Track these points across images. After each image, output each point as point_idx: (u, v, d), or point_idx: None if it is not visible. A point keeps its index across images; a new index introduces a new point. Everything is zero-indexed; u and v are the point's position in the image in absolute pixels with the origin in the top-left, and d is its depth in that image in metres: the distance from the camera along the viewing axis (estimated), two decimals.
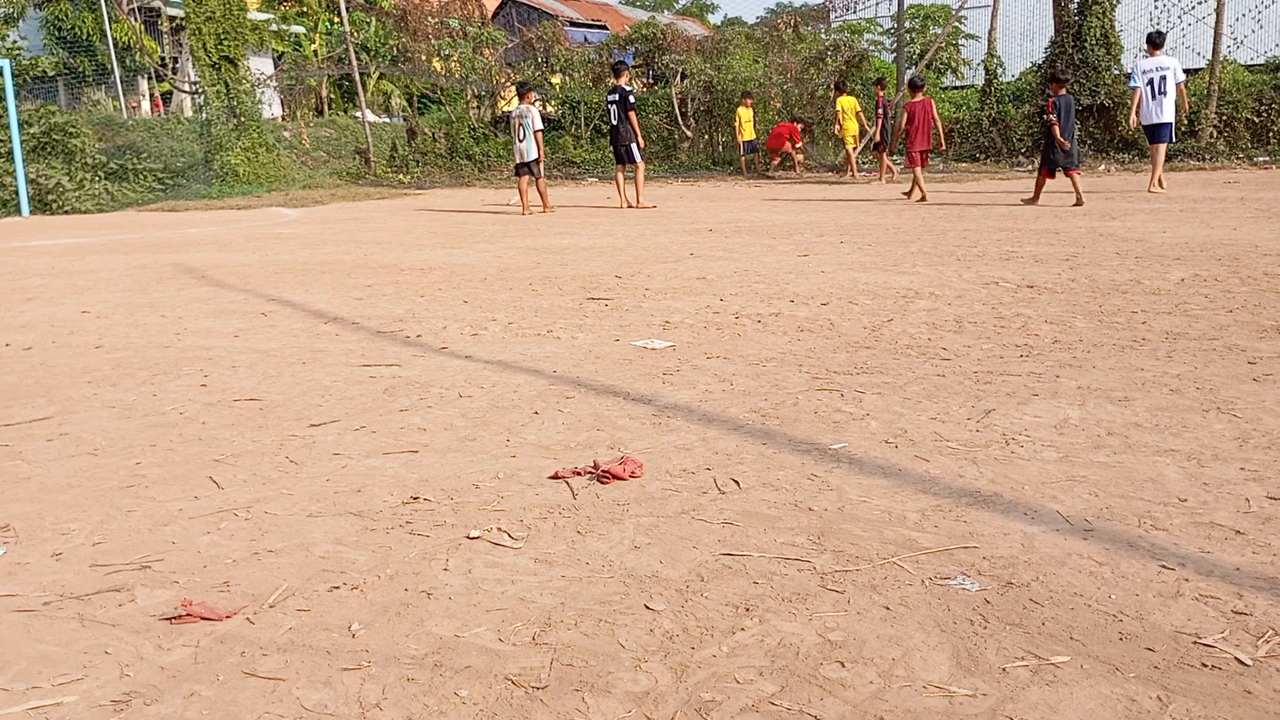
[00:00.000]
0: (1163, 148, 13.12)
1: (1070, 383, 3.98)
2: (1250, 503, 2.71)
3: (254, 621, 2.26)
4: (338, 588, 2.42)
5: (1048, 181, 12.09)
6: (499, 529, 2.75)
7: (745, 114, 19.03)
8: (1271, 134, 18.02)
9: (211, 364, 5.00)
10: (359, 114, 25.33)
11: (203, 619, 2.26)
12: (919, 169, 13.51)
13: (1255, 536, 2.50)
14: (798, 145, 19.34)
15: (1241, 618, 2.11)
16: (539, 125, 14.06)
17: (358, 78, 23.70)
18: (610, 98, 14.40)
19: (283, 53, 33.35)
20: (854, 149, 18.22)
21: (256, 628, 2.23)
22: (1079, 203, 11.50)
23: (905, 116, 13.75)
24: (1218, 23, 17.99)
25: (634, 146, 14.00)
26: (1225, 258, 7.04)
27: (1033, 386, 3.95)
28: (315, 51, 35.09)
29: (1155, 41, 12.79)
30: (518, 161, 14.24)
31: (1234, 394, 3.72)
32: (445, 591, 2.38)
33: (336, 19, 30.46)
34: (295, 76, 29.10)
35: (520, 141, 14.05)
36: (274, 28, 32.93)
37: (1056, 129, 11.52)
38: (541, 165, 14.33)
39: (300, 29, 35.37)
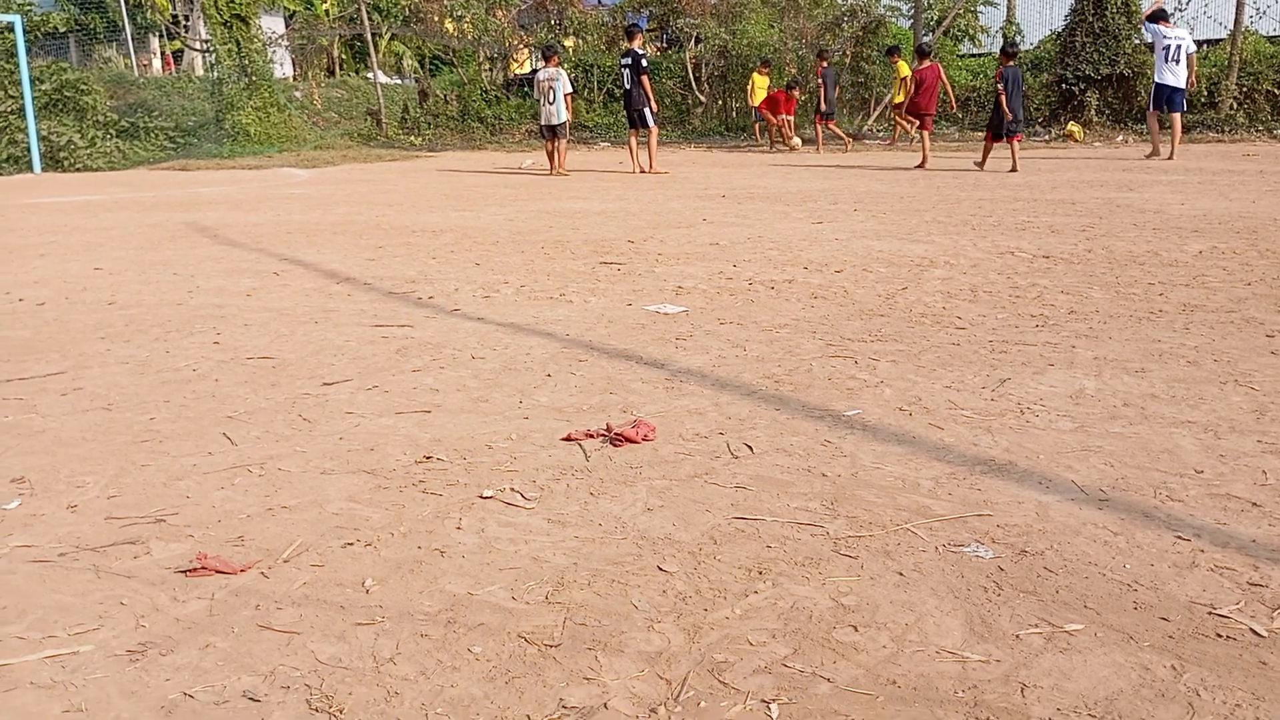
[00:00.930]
0: (1179, 116, 13.53)
1: (1086, 353, 3.95)
2: (1267, 475, 2.69)
3: (268, 576, 2.27)
4: (351, 544, 2.42)
5: (1012, 145, 12.63)
6: (512, 489, 2.75)
7: (761, 81, 18.73)
8: None
9: (224, 322, 5.00)
10: (370, 75, 25.14)
11: (218, 572, 2.27)
12: (926, 134, 14.07)
13: (1272, 509, 2.48)
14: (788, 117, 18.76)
15: (1257, 589, 2.10)
16: (569, 89, 14.29)
17: (370, 38, 23.52)
18: (623, 61, 14.27)
19: (294, 11, 33.09)
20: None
21: (271, 582, 2.24)
22: (1014, 169, 12.42)
23: (914, 83, 14.14)
24: None
25: (647, 111, 13.89)
26: (1244, 230, 6.97)
27: (1048, 356, 3.92)
28: (327, 11, 34.81)
29: (1164, 15, 13.68)
30: (545, 123, 14.30)
31: (1252, 366, 3.69)
32: (458, 550, 2.38)
33: None
34: (307, 36, 28.89)
35: (550, 104, 14.10)
36: None
37: (1004, 99, 12.24)
38: (566, 128, 14.51)
39: None
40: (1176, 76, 13.11)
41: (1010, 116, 12.34)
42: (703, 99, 22.28)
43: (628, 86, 14.13)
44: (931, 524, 2.47)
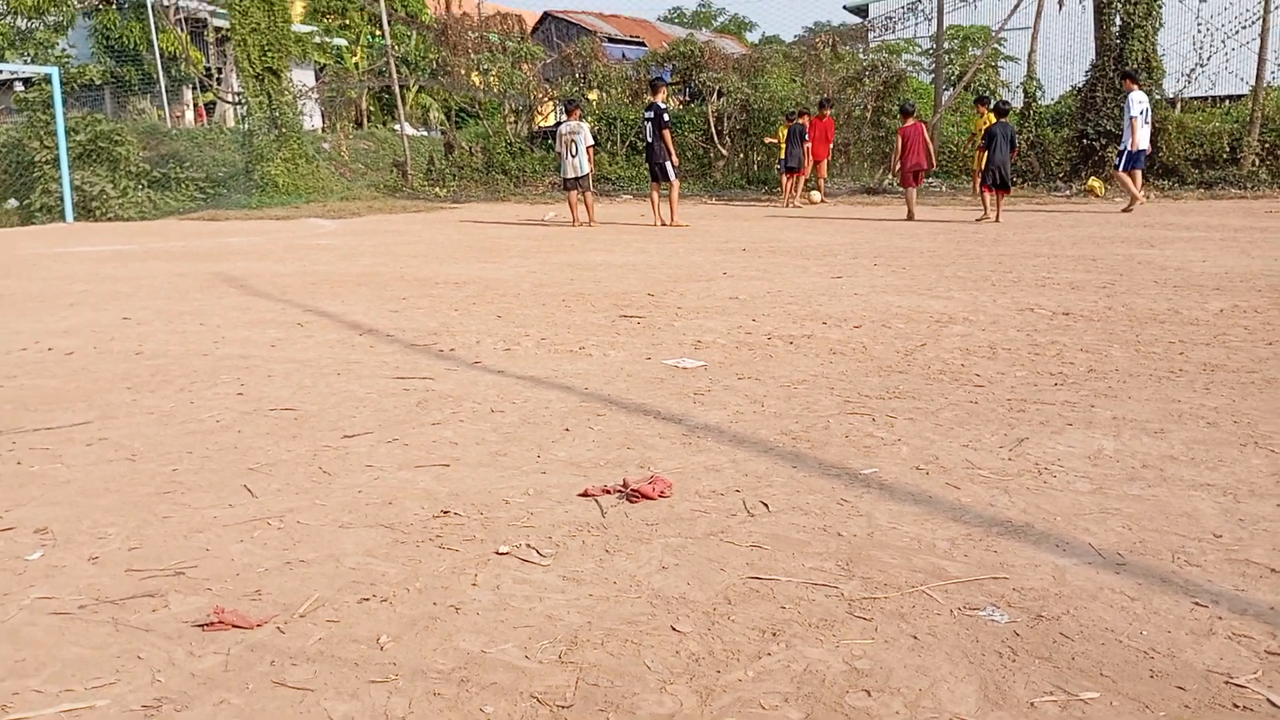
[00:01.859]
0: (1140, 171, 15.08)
1: (1105, 413, 3.94)
2: None
3: (284, 631, 2.29)
4: (367, 599, 2.44)
5: (1003, 196, 13.65)
6: (528, 545, 2.76)
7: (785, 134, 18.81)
8: None
9: (248, 372, 5.07)
10: (397, 127, 25.59)
11: (234, 627, 2.29)
12: (912, 190, 14.67)
13: None
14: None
15: (1275, 658, 2.08)
16: (591, 141, 14.79)
17: (397, 90, 23.98)
18: (646, 114, 14.50)
19: (325, 65, 33.79)
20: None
21: (286, 637, 2.26)
22: (990, 219, 13.42)
23: (900, 141, 14.68)
24: (1262, 48, 17.76)
25: (668, 164, 14.08)
26: (1266, 289, 6.95)
27: (1067, 416, 3.92)
28: (356, 64, 35.54)
29: (1135, 77, 15.07)
30: (568, 176, 14.66)
31: (1273, 428, 3.66)
32: (473, 606, 2.39)
33: (378, 32, 30.82)
34: (336, 88, 29.46)
35: (573, 157, 14.50)
36: (317, 40, 33.39)
37: (984, 155, 13.41)
38: (590, 180, 14.87)
39: (342, 41, 35.84)
40: (1146, 138, 14.51)
41: (990, 169, 13.38)
42: (724, 152, 22.50)
43: (650, 140, 14.35)
44: (947, 586, 2.46)
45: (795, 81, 22.52)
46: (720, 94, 22.41)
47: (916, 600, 2.39)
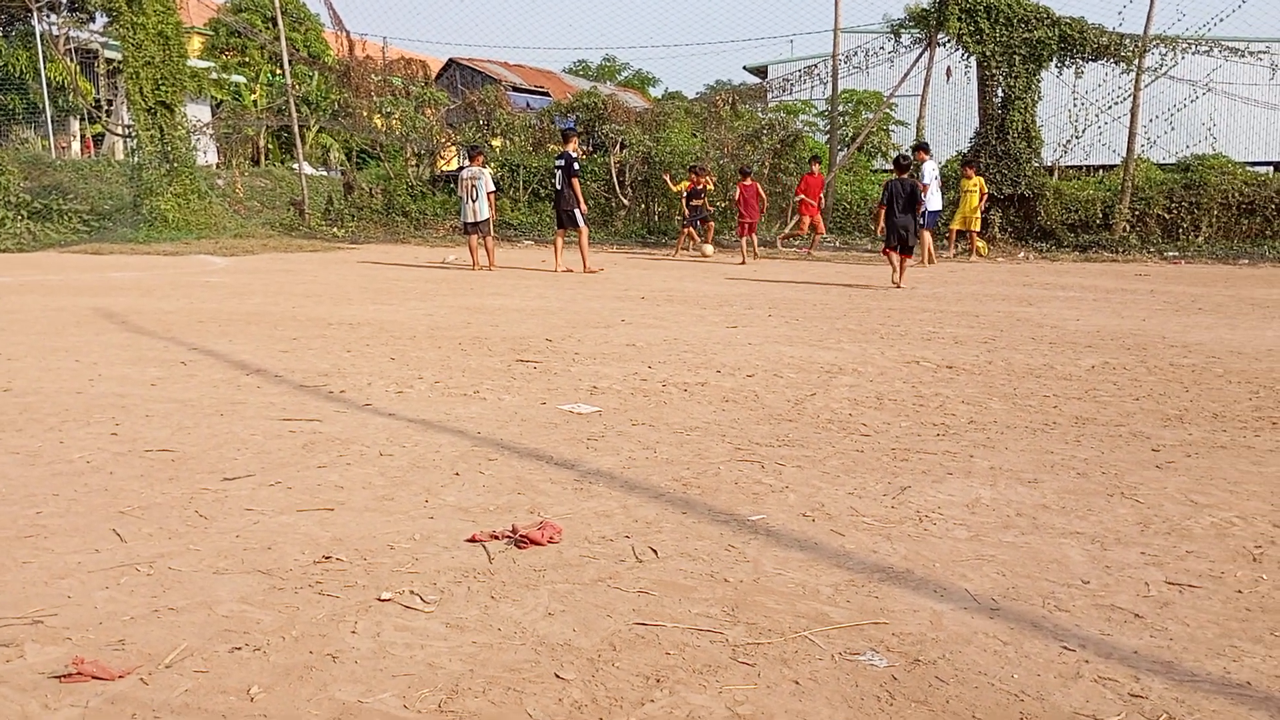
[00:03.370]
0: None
1: (983, 463, 4.08)
2: (1149, 587, 2.79)
3: (148, 682, 2.18)
4: (239, 649, 2.35)
5: (891, 259, 12.71)
6: (411, 591, 2.70)
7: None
8: (1181, 230, 18.87)
9: (125, 412, 4.87)
10: (296, 165, 25.16)
11: (94, 678, 2.18)
12: (744, 239, 16.71)
13: (1153, 620, 2.57)
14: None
15: (1138, 700, 2.16)
16: (491, 187, 14.95)
17: (297, 130, 23.61)
18: (557, 162, 14.63)
19: (221, 101, 33.11)
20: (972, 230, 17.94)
21: (150, 689, 2.15)
22: (894, 283, 12.46)
23: (738, 196, 16.84)
24: (1132, 123, 18.90)
25: (577, 212, 14.23)
26: (1134, 347, 7.32)
27: (947, 465, 4.04)
28: (255, 101, 34.92)
29: (928, 148, 16.15)
30: (468, 221, 14.82)
31: (1138, 479, 3.84)
32: (351, 655, 2.33)
33: (278, 70, 30.39)
34: (233, 125, 28.86)
35: (473, 202, 14.65)
36: (214, 76, 32.74)
37: (881, 211, 12.54)
38: (491, 225, 14.95)
39: (241, 79, 35.22)
40: (939, 200, 15.98)
41: (881, 229, 12.65)
42: (626, 202, 22.76)
43: (559, 187, 14.45)
44: (829, 631, 2.50)
45: (696, 136, 22.98)
46: (623, 146, 22.73)
47: (799, 645, 2.42)
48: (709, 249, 18.36)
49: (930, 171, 15.76)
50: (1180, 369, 6.34)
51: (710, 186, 18.75)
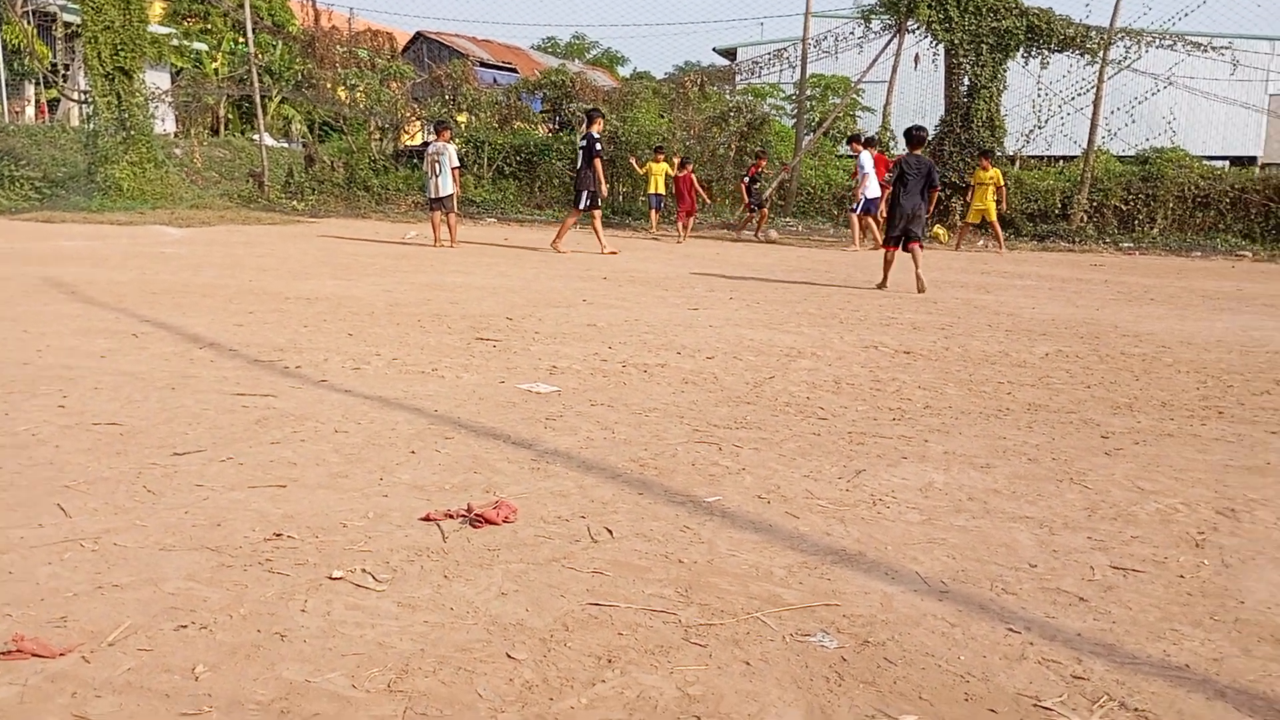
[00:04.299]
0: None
1: (938, 447, 4.12)
2: (1094, 571, 2.83)
3: (90, 660, 2.15)
4: (185, 627, 2.32)
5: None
6: (363, 570, 2.68)
7: (658, 168, 18.93)
8: (1137, 222, 19.15)
9: (72, 384, 4.77)
10: (256, 136, 24.77)
11: (34, 655, 2.14)
12: (680, 222, 17.90)
13: (1097, 604, 2.61)
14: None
15: (1080, 682, 2.20)
16: (456, 163, 14.69)
17: (258, 100, 23.22)
18: (580, 143, 14.44)
19: (182, 68, 32.49)
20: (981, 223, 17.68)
21: (92, 667, 2.12)
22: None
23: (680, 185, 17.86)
24: (1094, 115, 19.11)
25: (584, 193, 14.00)
26: (1087, 335, 7.42)
27: (902, 449, 4.07)
28: (216, 70, 34.30)
29: (861, 139, 16.86)
30: (432, 196, 14.69)
31: (1086, 466, 3.90)
32: (300, 634, 2.30)
33: (241, 39, 29.87)
34: (193, 93, 28.37)
35: (436, 177, 14.45)
36: (175, 42, 32.10)
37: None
38: (455, 201, 14.75)
39: (203, 46, 34.57)
40: (876, 188, 15.96)
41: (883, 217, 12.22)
42: None
43: (580, 166, 14.25)
44: (781, 613, 2.51)
45: (664, 117, 22.92)
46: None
47: (751, 626, 2.43)
48: (773, 233, 18.52)
49: (869, 161, 16.07)
50: (1131, 358, 6.44)
51: (766, 171, 18.99)
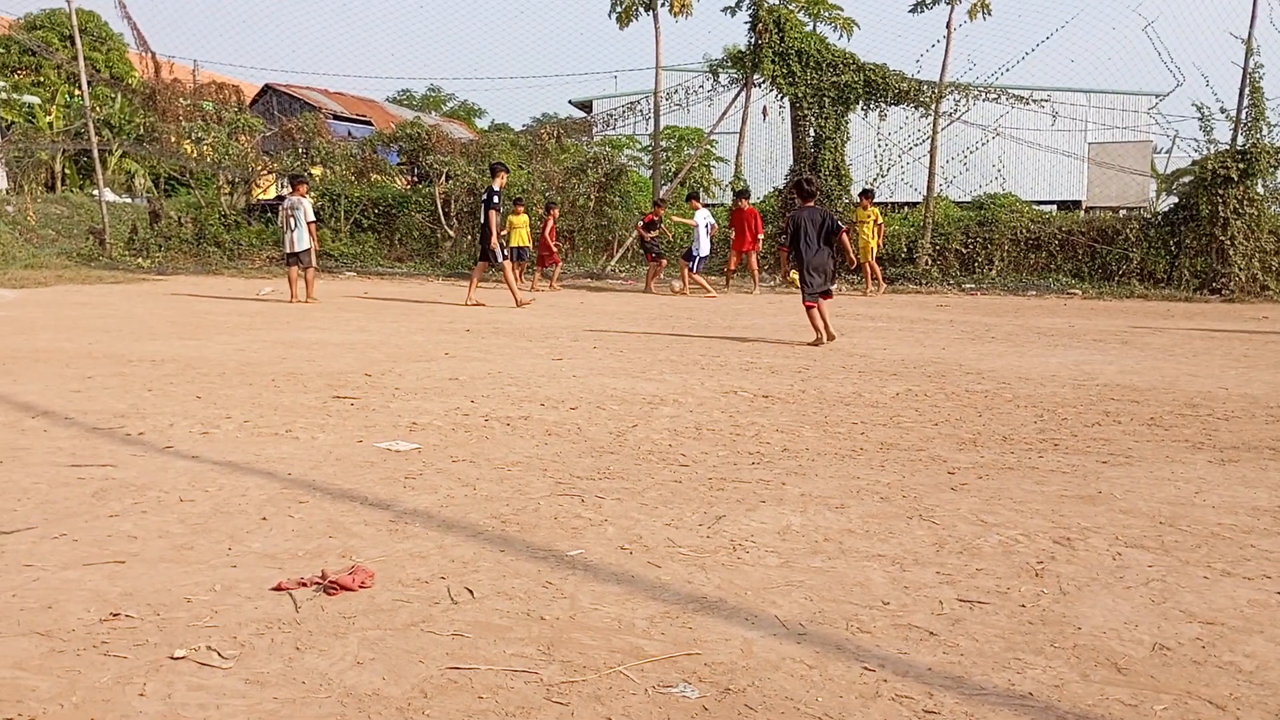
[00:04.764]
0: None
1: (795, 490, 4.22)
2: (943, 605, 2.95)
3: None
4: None
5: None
6: (208, 647, 2.56)
7: (518, 220, 18.84)
8: (976, 264, 20.23)
9: None
10: (96, 192, 23.66)
11: None
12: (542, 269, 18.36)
13: (946, 637, 2.71)
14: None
15: (931, 716, 2.28)
16: (311, 217, 14.53)
17: (96, 154, 22.23)
18: (483, 197, 14.42)
19: (12, 123, 30.87)
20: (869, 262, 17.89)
21: None
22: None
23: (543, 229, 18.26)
24: (931, 163, 20.19)
25: (487, 246, 13.94)
26: (934, 374, 7.76)
27: (760, 493, 4.16)
28: (51, 124, 32.74)
29: (699, 196, 17.98)
30: (288, 251, 14.51)
31: (934, 501, 4.06)
32: None
33: (77, 91, 28.60)
34: (24, 148, 26.94)
35: (291, 231, 14.34)
36: (3, 96, 30.52)
37: (786, 254, 12.19)
38: (312, 255, 14.56)
39: (35, 99, 32.98)
40: (708, 245, 17.15)
41: (789, 272, 11.87)
42: (451, 234, 22.52)
43: (483, 220, 14.16)
44: (643, 665, 2.51)
45: (523, 168, 23.02)
46: (448, 177, 22.51)
47: (613, 681, 2.42)
48: (676, 284, 17.99)
49: (702, 218, 16.93)
50: (975, 394, 6.77)
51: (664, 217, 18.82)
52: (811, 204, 9.94)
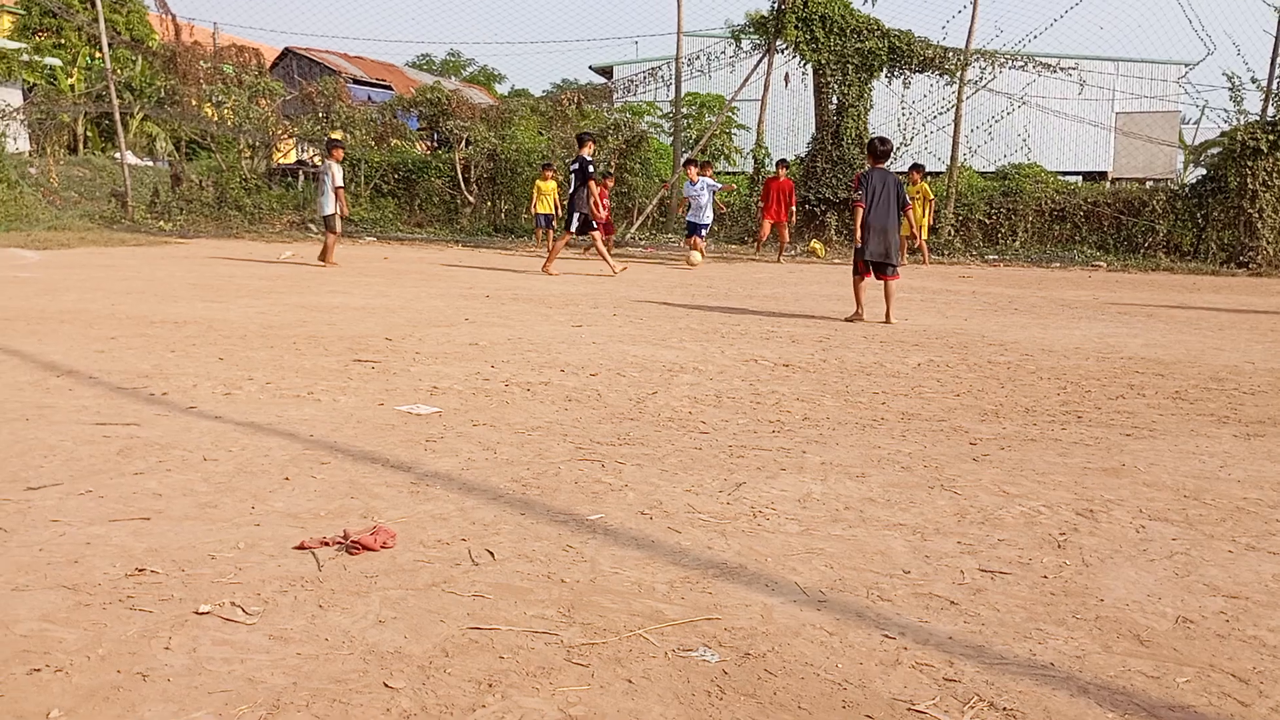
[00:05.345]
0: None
1: (815, 458, 4.21)
2: (964, 574, 2.94)
3: None
4: (39, 670, 2.19)
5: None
6: (232, 603, 2.58)
7: (546, 186, 18.72)
8: (1000, 234, 20.05)
9: None
10: (118, 155, 23.73)
11: None
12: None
13: (967, 607, 2.71)
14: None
15: (951, 685, 2.27)
16: (339, 182, 14.24)
17: (118, 117, 22.27)
18: (572, 166, 14.11)
19: (34, 84, 30.92)
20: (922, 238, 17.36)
21: None
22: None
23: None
24: (955, 132, 19.96)
25: (576, 215, 13.68)
26: (956, 345, 7.71)
27: (781, 461, 4.15)
28: (72, 86, 32.79)
29: (697, 162, 17.37)
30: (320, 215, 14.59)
31: (956, 472, 4.05)
32: (164, 672, 2.20)
33: (98, 54, 28.60)
34: (47, 110, 27.00)
35: (320, 196, 14.43)
36: (25, 58, 30.55)
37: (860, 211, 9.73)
38: (337, 220, 14.29)
39: (56, 61, 33.01)
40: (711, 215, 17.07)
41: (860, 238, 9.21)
42: (471, 200, 22.49)
43: (571, 190, 13.95)
44: (663, 629, 2.52)
45: (542, 135, 22.93)
46: (468, 143, 22.44)
47: (633, 644, 2.43)
48: (697, 257, 17.29)
49: (707, 188, 16.65)
50: (997, 366, 6.73)
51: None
52: (883, 165, 9.18)
